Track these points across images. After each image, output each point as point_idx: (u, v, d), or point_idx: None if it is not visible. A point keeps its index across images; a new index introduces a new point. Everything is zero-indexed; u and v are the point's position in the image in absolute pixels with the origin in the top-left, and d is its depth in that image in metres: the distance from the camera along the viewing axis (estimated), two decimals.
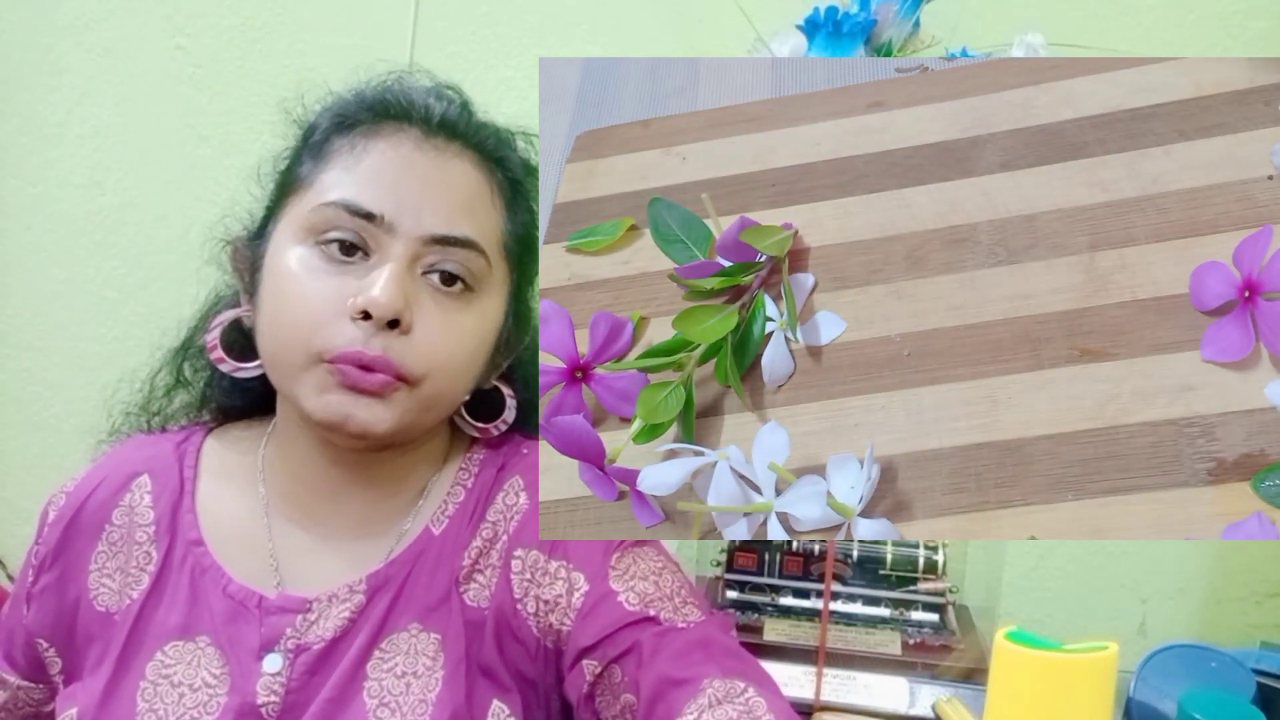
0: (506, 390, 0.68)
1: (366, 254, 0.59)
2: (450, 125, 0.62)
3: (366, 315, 0.57)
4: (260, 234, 0.63)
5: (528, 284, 0.69)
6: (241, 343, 0.65)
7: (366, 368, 0.57)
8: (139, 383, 0.71)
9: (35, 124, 1.30)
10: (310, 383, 0.58)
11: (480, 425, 0.68)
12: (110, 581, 0.64)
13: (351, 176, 0.59)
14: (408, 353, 0.58)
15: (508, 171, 0.65)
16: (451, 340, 0.60)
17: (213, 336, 0.65)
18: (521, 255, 0.66)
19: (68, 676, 0.66)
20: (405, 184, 0.59)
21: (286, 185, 0.63)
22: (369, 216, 0.58)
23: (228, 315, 0.66)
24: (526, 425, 0.71)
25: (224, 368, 0.65)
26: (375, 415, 0.58)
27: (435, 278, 0.60)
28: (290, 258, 0.59)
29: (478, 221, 0.61)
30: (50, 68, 1.29)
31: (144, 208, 1.29)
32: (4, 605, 0.70)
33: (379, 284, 0.57)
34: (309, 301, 0.58)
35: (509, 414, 0.69)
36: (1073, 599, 1.16)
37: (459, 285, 0.60)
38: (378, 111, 0.62)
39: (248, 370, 0.65)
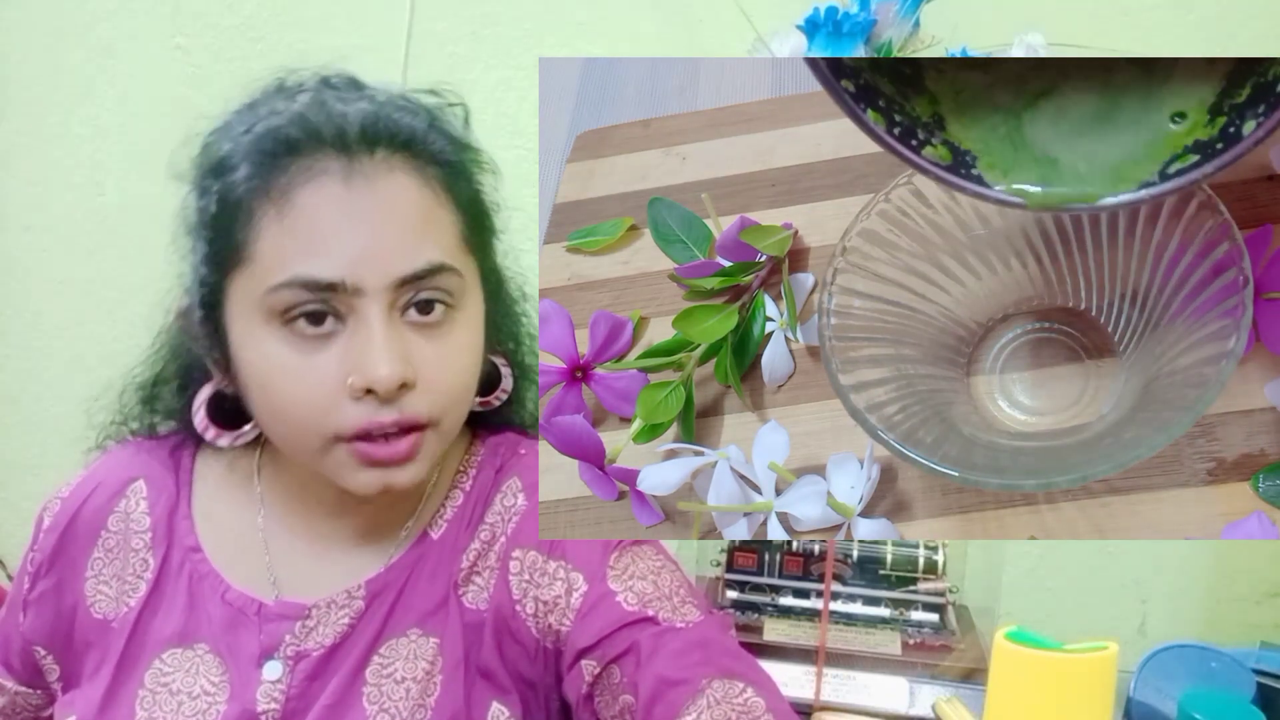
0: (499, 360, 0.67)
1: (339, 317, 0.55)
2: (361, 134, 0.56)
3: (370, 391, 0.55)
4: (208, 305, 0.58)
5: (491, 243, 0.63)
6: (227, 405, 0.63)
7: (388, 437, 0.56)
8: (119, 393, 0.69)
9: (35, 124, 1.30)
10: (336, 462, 0.57)
11: (481, 399, 0.66)
12: (107, 589, 0.64)
13: (290, 243, 0.54)
14: (420, 403, 0.56)
15: (438, 157, 0.58)
16: (454, 369, 0.58)
17: (201, 419, 0.63)
18: (478, 227, 0.61)
19: (66, 684, 0.65)
20: (349, 233, 0.54)
21: (222, 257, 0.57)
22: (330, 288, 0.54)
23: (206, 392, 0.63)
24: (523, 413, 0.69)
25: (222, 443, 0.63)
26: (410, 474, 0.57)
27: (414, 312, 0.56)
28: (264, 345, 0.56)
29: (434, 236, 0.57)
30: (50, 68, 1.29)
31: (144, 208, 1.29)
32: (1, 610, 0.70)
33: (372, 357, 0.54)
34: (302, 386, 0.55)
35: (507, 382, 0.67)
36: (1073, 599, 1.16)
37: (439, 310, 0.57)
38: (278, 153, 0.55)
39: (247, 436, 0.63)
